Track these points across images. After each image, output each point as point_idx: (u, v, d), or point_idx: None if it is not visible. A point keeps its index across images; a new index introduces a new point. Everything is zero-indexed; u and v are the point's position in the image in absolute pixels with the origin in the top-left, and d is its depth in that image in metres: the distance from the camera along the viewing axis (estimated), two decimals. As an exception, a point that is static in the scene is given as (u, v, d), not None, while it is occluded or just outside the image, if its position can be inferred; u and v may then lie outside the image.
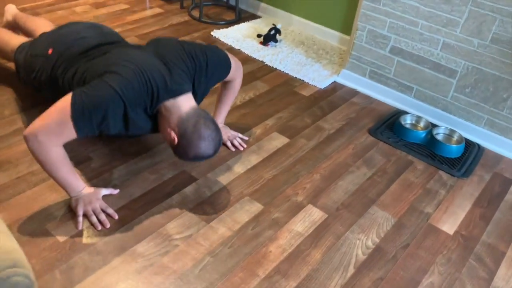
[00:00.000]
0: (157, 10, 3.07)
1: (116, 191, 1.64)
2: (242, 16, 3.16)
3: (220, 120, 1.94)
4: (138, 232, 1.50)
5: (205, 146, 1.46)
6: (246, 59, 2.62)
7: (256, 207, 1.65)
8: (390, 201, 1.76)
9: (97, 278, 1.34)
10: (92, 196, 1.55)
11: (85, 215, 1.52)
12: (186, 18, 3.03)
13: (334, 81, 2.52)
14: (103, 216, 1.51)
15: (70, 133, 1.38)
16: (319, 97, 2.36)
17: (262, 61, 2.62)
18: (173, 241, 1.48)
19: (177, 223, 1.55)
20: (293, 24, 3.06)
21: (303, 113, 2.22)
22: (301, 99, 2.32)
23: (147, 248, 1.45)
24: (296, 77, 2.50)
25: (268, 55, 2.66)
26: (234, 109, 2.18)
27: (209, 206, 1.63)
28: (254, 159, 1.88)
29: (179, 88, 1.50)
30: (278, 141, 2.00)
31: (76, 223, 1.49)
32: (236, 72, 1.81)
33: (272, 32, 2.78)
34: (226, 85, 1.85)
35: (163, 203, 1.62)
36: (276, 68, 2.57)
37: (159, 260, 1.42)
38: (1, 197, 1.56)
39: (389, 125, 2.17)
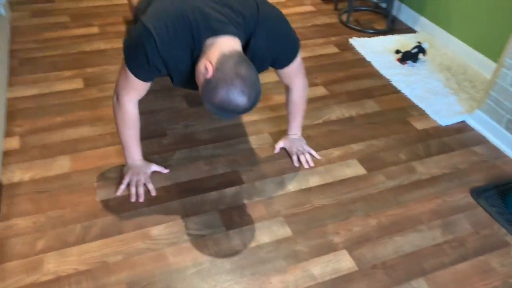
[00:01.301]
0: (309, 8, 3.02)
1: (166, 171, 1.71)
2: (395, 28, 2.87)
3: (293, 131, 1.82)
4: (161, 215, 1.54)
5: (240, 87, 1.19)
6: (370, 74, 2.38)
7: (284, 232, 1.52)
8: (448, 281, 1.40)
9: (102, 244, 1.43)
10: (142, 169, 1.65)
11: (129, 184, 1.63)
12: (334, 20, 2.90)
13: (464, 121, 2.10)
14: (141, 190, 1.60)
15: (135, 82, 1.39)
16: (433, 135, 2.00)
17: (388, 80, 2.35)
18: (186, 235, 1.48)
19: (199, 219, 1.54)
20: (448, 46, 2.64)
21: (402, 147, 1.92)
22: (409, 131, 2.01)
23: (159, 233, 1.48)
24: (418, 106, 2.17)
25: (398, 75, 2.37)
26: (324, 123, 2.02)
27: (238, 213, 1.57)
28: (313, 181, 1.72)
29: (222, 27, 1.30)
30: (353, 169, 1.79)
31: (118, 188, 1.62)
32: (297, 76, 1.63)
33: (415, 50, 2.45)
34: (287, 95, 1.71)
35: (199, 195, 1.63)
36: (400, 90, 2.27)
37: (163, 248, 1.44)
38: (79, 147, 1.79)
39: (503, 192, 1.71)
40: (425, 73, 2.40)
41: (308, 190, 1.69)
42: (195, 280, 1.35)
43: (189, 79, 1.41)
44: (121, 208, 1.56)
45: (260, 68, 1.48)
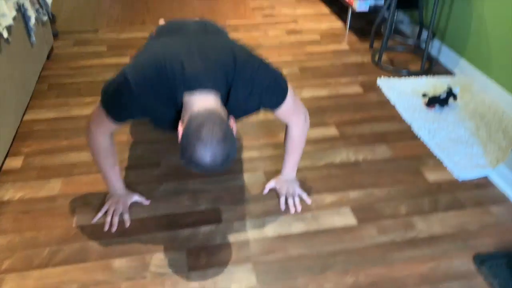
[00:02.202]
0: (344, 46, 2.94)
1: (146, 202, 1.70)
2: (432, 69, 2.69)
3: (286, 171, 1.74)
4: (128, 248, 1.52)
5: (201, 151, 1.21)
6: (390, 117, 2.23)
7: (248, 280, 1.43)
8: None
9: (63, 271, 1.44)
10: (122, 198, 1.66)
11: (106, 212, 1.64)
12: (366, 59, 2.79)
13: (486, 177, 1.87)
14: (115, 219, 1.60)
15: (106, 121, 1.42)
16: (445, 190, 1.80)
17: (408, 125, 2.18)
18: (146, 272, 1.44)
19: (164, 256, 1.50)
20: (487, 92, 2.41)
21: (405, 199, 1.75)
22: (417, 182, 1.83)
23: (120, 266, 1.46)
24: (435, 155, 1.98)
25: (420, 119, 2.20)
26: (325, 166, 1.91)
27: (206, 254, 1.51)
28: (295, 228, 1.61)
29: (197, 83, 1.31)
30: (343, 219, 1.65)
31: (95, 216, 1.63)
32: (293, 115, 1.56)
33: (444, 95, 2.27)
34: (285, 131, 1.64)
35: (172, 231, 1.59)
36: (419, 137, 2.10)
37: (118, 282, 1.41)
38: (74, 171, 1.85)
39: (513, 261, 1.48)
40: (452, 120, 2.20)
41: (287, 237, 1.58)
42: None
43: (172, 126, 1.43)
44: (93, 236, 1.56)
45: (246, 114, 1.47)
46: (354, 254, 1.53)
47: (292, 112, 1.55)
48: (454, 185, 1.83)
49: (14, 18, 2.01)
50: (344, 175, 1.87)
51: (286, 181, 1.76)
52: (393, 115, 2.26)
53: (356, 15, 3.39)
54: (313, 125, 2.17)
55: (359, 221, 1.65)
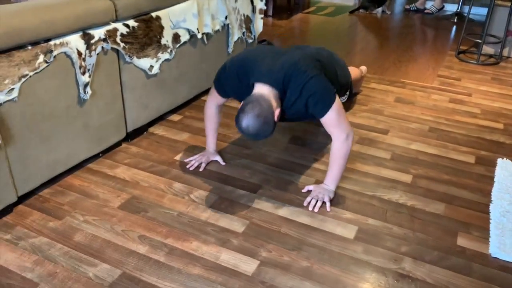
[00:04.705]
0: (495, 125, 2.84)
1: (223, 163, 2.32)
2: None
3: (327, 181, 2.06)
4: (189, 179, 2.17)
5: (240, 118, 1.80)
6: (477, 189, 2.18)
7: (237, 228, 1.86)
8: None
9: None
10: (208, 154, 2.33)
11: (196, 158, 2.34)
12: (508, 142, 2.65)
13: (526, 266, 1.70)
14: (196, 164, 2.29)
15: (215, 94, 2.13)
16: (464, 254, 1.76)
17: (488, 201, 2.09)
18: (188, 196, 2.06)
19: (203, 192, 2.07)
20: None
21: (414, 244, 1.81)
22: (442, 240, 1.84)
23: (178, 187, 2.12)
24: (488, 229, 1.89)
25: (506, 202, 2.06)
26: (370, 197, 2.10)
27: (228, 203, 2.01)
28: (301, 219, 1.94)
29: (261, 77, 1.88)
30: (343, 231, 1.88)
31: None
32: (335, 128, 1.92)
33: (552, 188, 2.06)
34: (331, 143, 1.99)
35: (221, 184, 2.15)
36: (488, 212, 2.00)
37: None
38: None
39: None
40: (544, 214, 1.99)
41: (289, 220, 1.93)
42: None
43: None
44: (181, 170, 2.28)
45: (298, 114, 1.99)
46: (326, 253, 1.76)
47: (334, 125, 1.92)
48: (479, 256, 1.76)
49: (217, 31, 2.98)
50: (380, 209, 2.03)
51: (321, 187, 2.08)
52: (481, 189, 2.19)
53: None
54: (393, 168, 2.34)
55: (355, 238, 1.84)
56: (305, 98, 1.89)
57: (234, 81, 2.01)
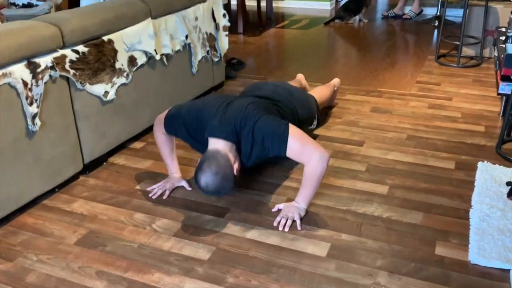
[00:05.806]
0: (477, 128, 2.94)
1: (189, 188, 2.36)
2: None
3: (298, 200, 2.12)
4: (152, 208, 2.20)
5: (199, 177, 1.97)
6: (456, 195, 2.24)
7: (202, 256, 1.89)
8: None
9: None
10: (172, 180, 2.38)
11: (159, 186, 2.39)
12: (490, 144, 2.73)
13: (506, 270, 1.74)
14: (159, 192, 2.32)
15: (162, 127, 2.25)
16: (442, 263, 1.81)
17: (468, 206, 2.15)
18: (150, 226, 2.09)
19: (168, 221, 2.11)
20: None
21: (389, 257, 1.85)
22: (420, 250, 1.88)
23: (139, 217, 2.15)
24: (467, 236, 1.94)
25: (487, 206, 2.13)
26: (344, 211, 2.15)
27: (193, 229, 2.04)
28: (271, 240, 1.98)
29: (214, 132, 2.05)
30: (315, 249, 1.92)
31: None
32: (303, 155, 2.00)
33: (532, 187, 2.13)
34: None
35: (187, 211, 2.19)
36: (468, 218, 2.06)
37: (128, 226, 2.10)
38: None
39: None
40: (526, 215, 2.05)
41: (258, 242, 1.97)
42: None
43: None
44: (143, 198, 2.32)
45: (259, 159, 2.15)
46: (297, 273, 1.79)
47: (300, 153, 2.03)
48: (458, 264, 1.81)
49: (178, 51, 3.06)
50: (354, 223, 2.08)
51: (293, 206, 2.12)
52: (461, 194, 2.26)
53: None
54: (368, 180, 2.40)
55: (328, 256, 1.88)
56: (259, 142, 2.03)
57: (190, 131, 2.18)
